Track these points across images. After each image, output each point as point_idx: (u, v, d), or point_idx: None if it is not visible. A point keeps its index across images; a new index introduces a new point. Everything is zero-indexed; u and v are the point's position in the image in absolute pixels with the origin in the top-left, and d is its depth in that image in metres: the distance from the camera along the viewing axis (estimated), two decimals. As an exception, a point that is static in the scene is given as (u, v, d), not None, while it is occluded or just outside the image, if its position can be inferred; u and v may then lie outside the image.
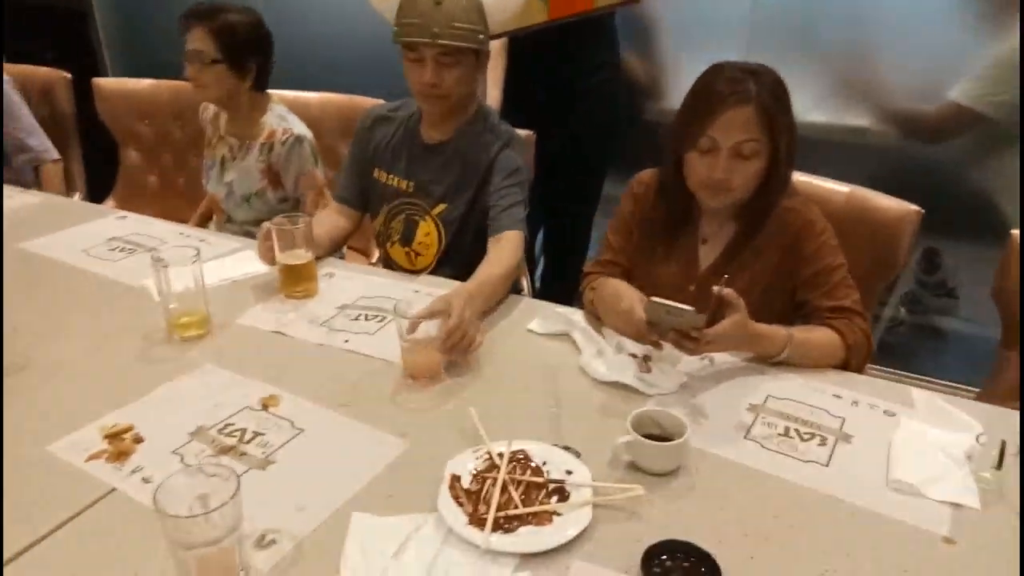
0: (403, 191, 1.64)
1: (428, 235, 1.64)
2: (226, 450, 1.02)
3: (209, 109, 2.00)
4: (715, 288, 1.13)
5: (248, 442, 1.04)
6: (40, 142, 2.39)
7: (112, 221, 1.84)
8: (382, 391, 1.16)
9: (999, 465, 0.95)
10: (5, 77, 2.33)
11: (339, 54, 2.74)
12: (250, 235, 1.85)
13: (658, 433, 1.00)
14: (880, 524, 0.91)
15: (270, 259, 1.46)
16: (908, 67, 2.18)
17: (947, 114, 2.12)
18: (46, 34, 2.72)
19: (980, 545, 0.87)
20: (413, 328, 1.24)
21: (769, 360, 1.24)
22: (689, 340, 1.13)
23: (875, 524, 0.91)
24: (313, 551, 0.85)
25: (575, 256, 2.56)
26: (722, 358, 1.26)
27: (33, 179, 2.42)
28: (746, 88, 1.21)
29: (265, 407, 1.11)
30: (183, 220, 2.13)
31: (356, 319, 1.38)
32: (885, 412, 1.13)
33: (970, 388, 2.39)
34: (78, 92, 2.53)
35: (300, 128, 1.88)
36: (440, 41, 1.44)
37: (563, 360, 1.26)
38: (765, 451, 1.04)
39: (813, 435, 1.08)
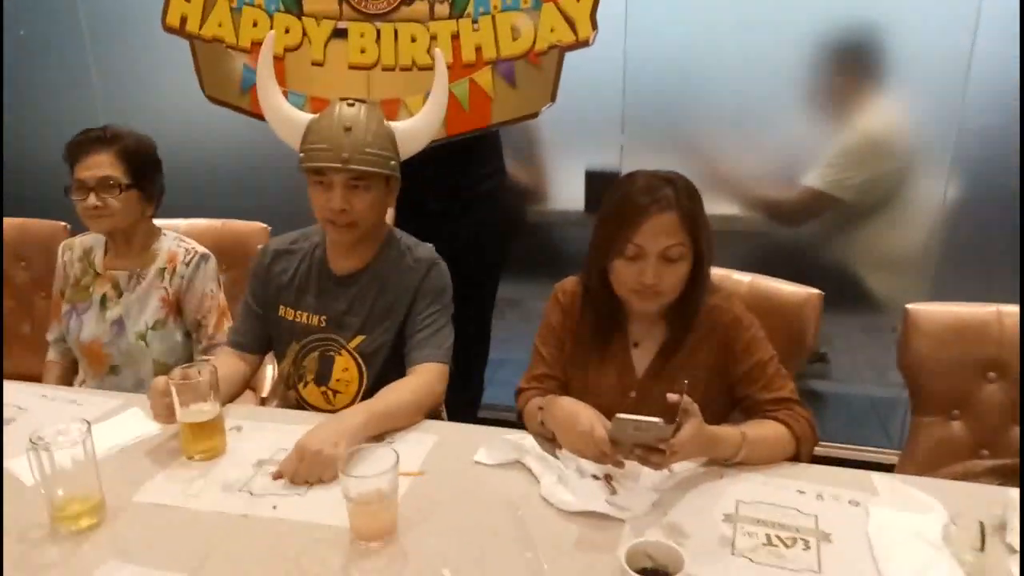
0: (315, 327, 1.52)
1: (347, 371, 1.51)
2: (157, 676, 0.83)
3: (74, 248, 1.80)
4: (673, 396, 1.11)
5: (183, 660, 0.85)
6: None
7: (-49, 391, 1.55)
8: (331, 564, 1.02)
9: (982, 547, 0.97)
10: None
11: (211, 177, 2.59)
12: (142, 385, 1.64)
13: (651, 566, 0.94)
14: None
15: (168, 418, 1.28)
16: (766, 158, 2.37)
17: (805, 198, 2.32)
18: None
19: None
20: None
21: (725, 462, 1.22)
22: (655, 454, 1.09)
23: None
24: None
25: (478, 360, 2.51)
26: (680, 466, 1.22)
27: None
28: (665, 195, 1.24)
29: (195, 608, 0.93)
30: (33, 376, 1.85)
31: (279, 477, 1.22)
32: (850, 502, 1.14)
33: (861, 447, 2.56)
34: None
35: (203, 248, 1.74)
36: (350, 166, 1.38)
37: (523, 492, 1.18)
38: (756, 566, 1.00)
39: (795, 540, 1.05)
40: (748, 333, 1.33)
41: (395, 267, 1.51)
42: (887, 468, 1.35)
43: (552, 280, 1.50)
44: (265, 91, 1.63)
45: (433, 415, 1.49)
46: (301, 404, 1.56)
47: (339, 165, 1.37)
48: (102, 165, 1.61)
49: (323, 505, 1.14)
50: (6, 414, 1.45)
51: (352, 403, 1.51)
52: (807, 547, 1.04)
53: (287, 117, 1.57)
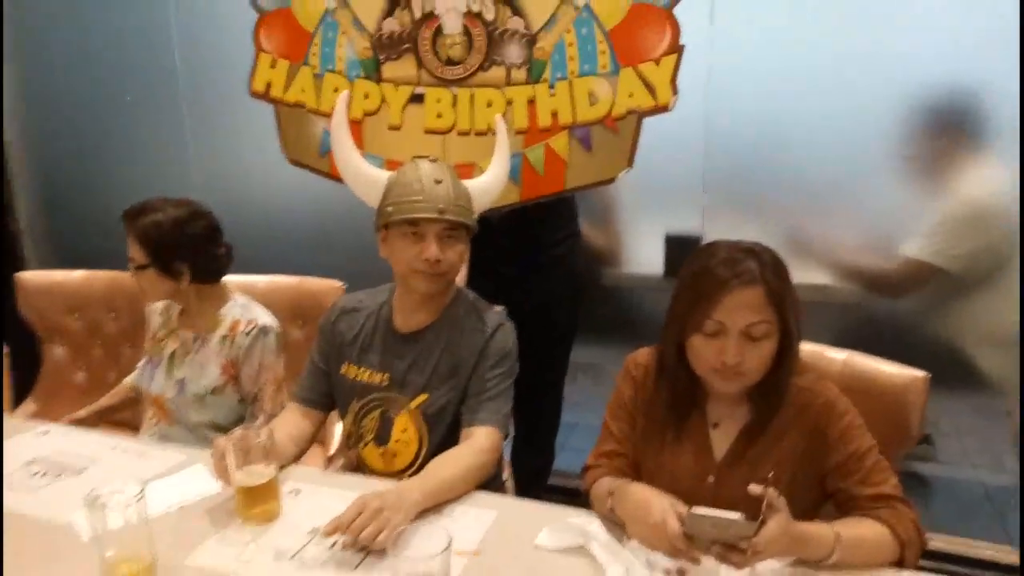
0: (376, 385, 1.49)
1: (406, 431, 1.47)
2: None
3: (158, 304, 1.84)
4: (756, 488, 1.00)
5: None
6: None
7: (32, 438, 1.60)
8: (377, 651, 0.95)
9: None
10: None
11: (285, 235, 2.66)
12: (204, 440, 1.64)
13: None
14: None
15: (226, 477, 1.26)
16: (860, 225, 2.24)
17: (906, 269, 2.16)
18: None
19: None
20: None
21: (817, 564, 1.09)
22: (735, 552, 0.98)
23: None
24: None
25: (548, 427, 2.43)
26: (763, 566, 1.10)
27: None
28: (748, 268, 1.15)
29: None
30: (116, 423, 1.90)
31: (332, 546, 1.17)
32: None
33: (974, 542, 2.30)
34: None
35: (265, 319, 1.74)
36: (447, 216, 1.39)
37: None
38: None
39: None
40: (844, 420, 1.21)
41: (461, 326, 1.48)
42: (1005, 569, 1.18)
43: (627, 345, 1.43)
44: (341, 150, 1.65)
45: (495, 482, 1.42)
46: (360, 465, 1.52)
47: (436, 216, 1.39)
48: (129, 244, 1.66)
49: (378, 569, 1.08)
50: (77, 463, 1.47)
51: (411, 465, 1.47)
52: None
53: (365, 174, 1.59)
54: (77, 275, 2.30)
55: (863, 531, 1.11)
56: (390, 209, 1.44)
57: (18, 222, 3.23)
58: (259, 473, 1.24)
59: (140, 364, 1.88)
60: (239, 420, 1.74)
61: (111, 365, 2.33)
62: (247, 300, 1.79)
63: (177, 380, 1.74)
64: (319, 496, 1.34)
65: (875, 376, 1.45)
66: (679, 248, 2.41)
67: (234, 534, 1.22)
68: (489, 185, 1.62)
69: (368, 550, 1.13)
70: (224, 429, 1.74)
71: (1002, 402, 2.17)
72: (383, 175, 1.52)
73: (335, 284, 2.14)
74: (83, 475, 1.43)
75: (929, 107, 2.08)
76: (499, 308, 1.55)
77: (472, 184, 1.54)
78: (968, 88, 2.04)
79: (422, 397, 1.47)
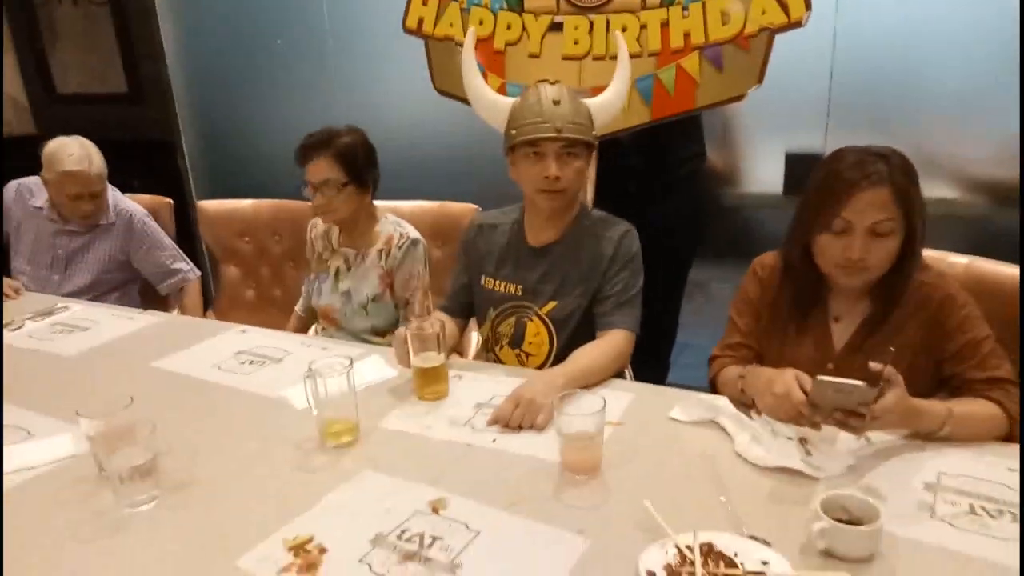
0: (511, 295, 1.69)
1: (538, 335, 1.67)
2: (410, 556, 1.02)
3: (318, 226, 2.10)
4: (876, 365, 1.12)
5: (429, 547, 1.04)
6: (185, 263, 2.55)
7: (234, 335, 1.91)
8: (545, 489, 1.16)
9: None
10: (142, 208, 2.50)
11: (422, 164, 2.88)
12: (366, 343, 1.91)
13: (846, 518, 0.98)
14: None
15: (407, 362, 1.50)
16: (988, 138, 2.21)
17: (1037, 179, 2.13)
18: (134, 164, 2.92)
19: None
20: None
21: (929, 437, 1.21)
22: (855, 418, 1.12)
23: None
24: (527, 657, 0.84)
25: (665, 342, 2.57)
26: (878, 437, 1.24)
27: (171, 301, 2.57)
28: (877, 169, 1.24)
29: (435, 510, 1.12)
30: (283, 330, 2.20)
31: (494, 423, 1.38)
32: (1071, 484, 1.09)
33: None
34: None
35: (414, 233, 1.98)
36: (564, 135, 1.52)
37: (717, 447, 1.26)
38: (958, 531, 1.01)
39: (1002, 511, 1.04)
40: (963, 311, 1.30)
41: (588, 237, 1.64)
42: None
43: (743, 264, 1.54)
44: (469, 80, 1.81)
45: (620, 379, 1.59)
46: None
47: (554, 135, 1.52)
48: (322, 169, 1.86)
49: (535, 442, 1.30)
50: (275, 354, 1.76)
51: (543, 365, 1.66)
52: (1014, 519, 1.02)
53: (492, 101, 1.75)
54: (247, 203, 2.61)
55: (974, 408, 1.22)
56: (513, 132, 1.59)
57: (185, 159, 3.63)
58: (433, 358, 1.48)
59: (304, 286, 2.17)
60: (395, 325, 2.00)
61: (276, 283, 2.66)
62: (396, 218, 2.03)
63: (343, 292, 2.01)
64: (479, 381, 1.57)
65: (996, 278, 1.51)
66: (800, 166, 2.46)
67: (413, 408, 1.47)
68: (609, 101, 1.73)
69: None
70: (382, 333, 2.02)
71: None
72: (507, 101, 1.67)
73: (471, 207, 2.34)
74: (282, 363, 1.72)
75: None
76: (622, 220, 1.68)
77: (593, 102, 1.66)
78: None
79: (551, 304, 1.65)
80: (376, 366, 1.65)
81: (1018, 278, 1.48)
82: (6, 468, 1.28)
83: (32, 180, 2.43)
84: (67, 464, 1.30)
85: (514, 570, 0.98)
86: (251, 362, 1.73)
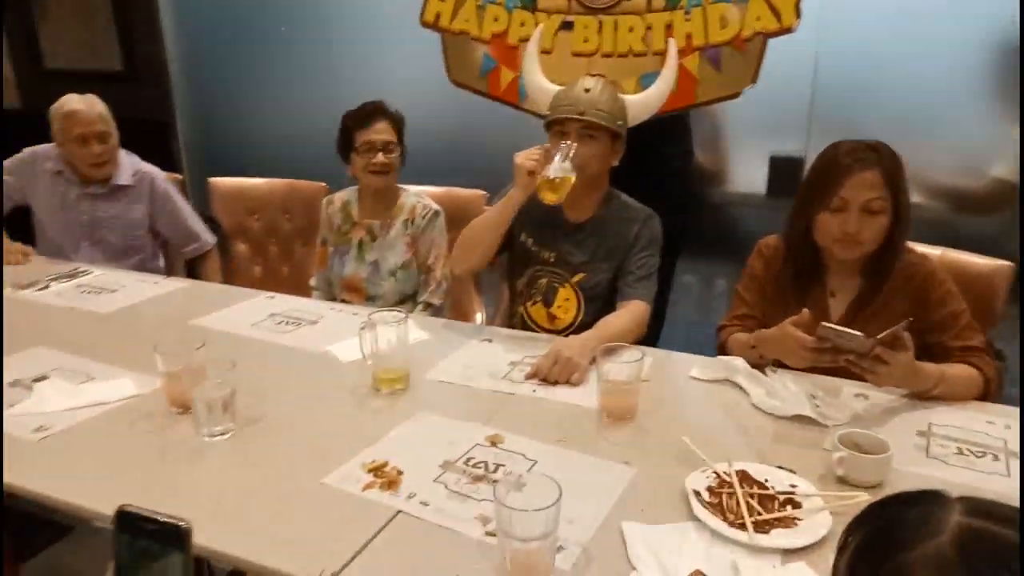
0: (546, 260, 1.83)
1: (568, 300, 1.82)
2: (479, 478, 1.15)
3: (335, 202, 2.21)
4: (897, 328, 1.29)
5: (494, 471, 1.16)
6: (204, 230, 2.59)
7: (263, 300, 2.00)
8: (589, 429, 1.30)
9: None
10: (167, 175, 2.55)
11: (428, 151, 3.00)
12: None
13: (860, 451, 1.15)
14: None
15: (539, 168, 1.62)
16: (951, 150, 2.44)
17: (995, 189, 2.37)
18: (127, 144, 2.96)
19: None
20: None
21: (922, 395, 1.39)
22: (866, 360, 1.28)
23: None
24: (600, 553, 0.98)
25: (651, 334, 2.72)
26: (876, 395, 1.41)
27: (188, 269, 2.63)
28: (869, 156, 1.44)
29: (493, 443, 1.25)
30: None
31: (533, 376, 1.51)
32: (1038, 433, 1.28)
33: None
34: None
35: (435, 205, 2.15)
36: (585, 117, 1.69)
37: (735, 400, 1.41)
38: (950, 467, 1.18)
39: (985, 453, 1.22)
40: (943, 286, 1.49)
41: (616, 217, 1.80)
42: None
43: (726, 260, 1.71)
44: (530, 70, 2.06)
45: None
46: (525, 321, 1.88)
47: (576, 116, 1.69)
48: (386, 131, 2.04)
49: (574, 393, 1.43)
50: (309, 317, 1.86)
51: (569, 327, 1.81)
52: (996, 459, 1.20)
53: (543, 88, 1.98)
54: (259, 182, 2.69)
55: (959, 371, 1.41)
56: (547, 113, 1.76)
57: (178, 139, 3.66)
58: (564, 168, 1.61)
59: (328, 256, 2.25)
60: (417, 291, 2.13)
61: (285, 260, 2.74)
62: (416, 192, 2.17)
63: (370, 262, 2.13)
64: (508, 342, 1.70)
65: (966, 265, 1.71)
66: (783, 168, 2.66)
67: (453, 364, 1.59)
68: (649, 98, 1.94)
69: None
70: (409, 298, 2.14)
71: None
72: (554, 88, 1.87)
73: (479, 193, 2.46)
74: (318, 324, 1.82)
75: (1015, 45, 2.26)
76: (642, 205, 1.84)
77: (631, 99, 1.86)
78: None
79: (581, 275, 1.80)
80: (414, 327, 1.77)
81: (983, 263, 1.69)
82: (79, 403, 1.36)
83: (47, 146, 2.45)
84: (132, 403, 1.39)
85: (574, 491, 1.11)
86: (287, 322, 1.83)
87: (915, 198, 2.56)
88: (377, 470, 1.16)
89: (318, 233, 2.28)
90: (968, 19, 2.29)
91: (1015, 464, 1.19)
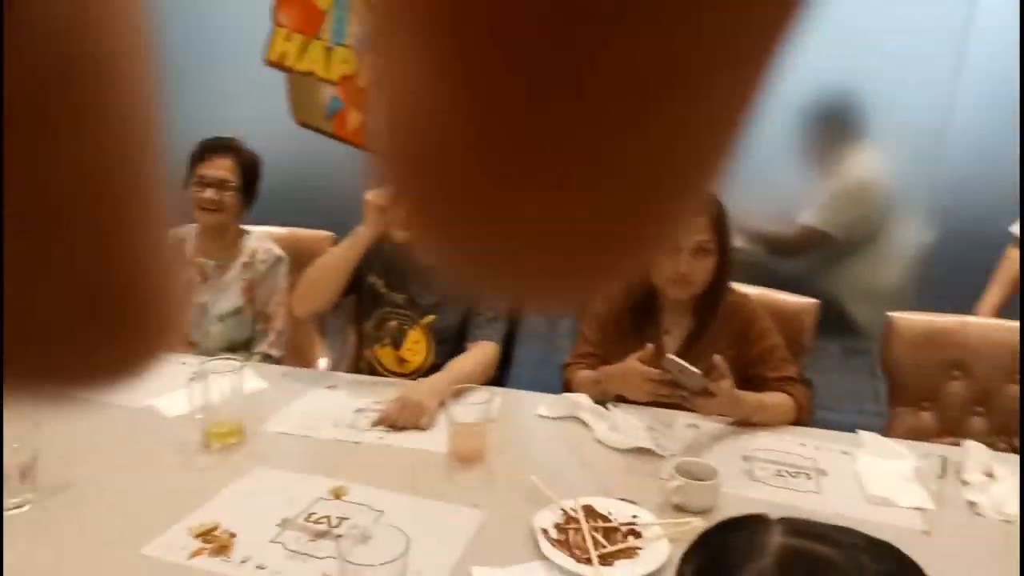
0: (395, 302, 1.80)
1: (417, 342, 1.79)
2: (321, 535, 1.09)
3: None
4: (716, 358, 1.39)
5: (338, 526, 1.11)
6: None
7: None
8: (437, 475, 1.28)
9: (943, 474, 1.26)
10: None
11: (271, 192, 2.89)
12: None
13: (692, 479, 1.21)
14: (873, 529, 1.15)
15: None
16: (765, 199, 2.71)
17: (803, 235, 2.64)
18: None
19: (948, 533, 1.15)
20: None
21: (745, 422, 1.50)
22: (702, 397, 1.38)
23: (870, 529, 1.15)
24: (449, 602, 0.95)
25: (499, 375, 2.76)
26: (705, 424, 1.51)
27: None
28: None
29: (337, 496, 1.19)
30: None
31: (380, 423, 1.47)
32: (842, 452, 1.42)
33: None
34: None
35: (279, 250, 2.02)
36: None
37: (580, 436, 1.45)
38: (770, 487, 1.28)
39: (799, 473, 1.33)
40: (762, 323, 1.64)
41: None
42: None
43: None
44: None
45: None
46: (373, 365, 1.83)
47: None
48: (224, 168, 1.93)
49: (422, 438, 1.41)
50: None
51: (418, 370, 1.78)
52: (809, 478, 1.32)
53: None
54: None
55: (776, 399, 1.54)
56: None
57: None
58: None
59: None
60: (249, 340, 2.01)
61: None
62: (260, 235, 2.06)
63: (197, 306, 1.98)
64: (354, 388, 1.65)
65: (779, 304, 1.88)
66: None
67: (289, 413, 1.51)
68: None
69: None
70: (240, 347, 2.01)
71: (867, 344, 2.70)
72: None
73: (324, 234, 2.39)
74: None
75: (819, 104, 2.57)
76: None
77: None
78: (850, 90, 2.55)
79: (431, 317, 1.79)
80: (251, 376, 1.66)
81: (793, 301, 1.87)
82: None
83: None
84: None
85: (424, 538, 1.08)
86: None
87: (735, 243, 2.84)
88: (206, 534, 1.06)
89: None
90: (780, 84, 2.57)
91: (825, 481, 1.30)
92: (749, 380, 1.63)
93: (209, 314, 1.97)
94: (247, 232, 2.05)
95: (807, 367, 1.91)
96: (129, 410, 1.49)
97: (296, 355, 2.21)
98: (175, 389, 1.48)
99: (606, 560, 1.04)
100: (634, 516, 1.14)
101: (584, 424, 1.49)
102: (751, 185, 2.70)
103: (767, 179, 2.67)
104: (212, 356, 1.93)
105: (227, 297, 1.98)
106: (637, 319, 1.68)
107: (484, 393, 1.35)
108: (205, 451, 1.33)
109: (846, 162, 2.59)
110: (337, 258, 1.71)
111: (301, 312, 1.87)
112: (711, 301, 1.63)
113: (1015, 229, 2.18)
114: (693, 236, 1.54)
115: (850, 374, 2.88)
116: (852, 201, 2.60)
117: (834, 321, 2.74)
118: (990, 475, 1.26)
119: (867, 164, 2.58)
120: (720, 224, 1.56)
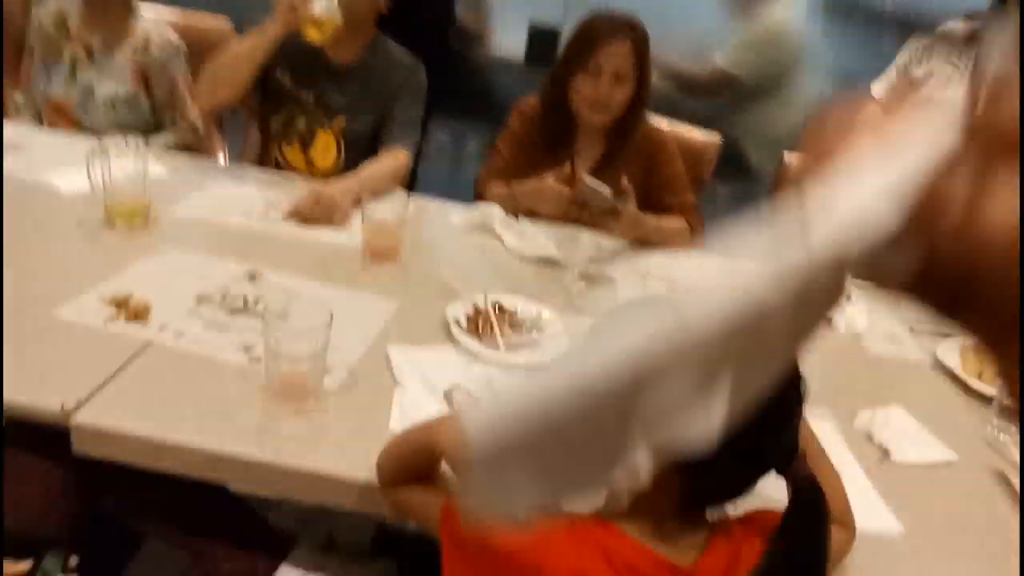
0: (304, 101, 1.72)
1: (327, 146, 1.75)
2: (238, 311, 1.11)
3: (48, 4, 1.84)
4: (624, 182, 1.46)
5: (256, 304, 1.14)
6: None
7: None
8: (352, 269, 1.32)
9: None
10: None
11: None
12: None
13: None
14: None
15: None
16: (683, 38, 2.71)
17: (715, 76, 2.69)
18: None
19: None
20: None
21: (643, 241, 1.61)
22: (609, 217, 1.46)
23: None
24: (366, 374, 1.02)
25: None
26: (606, 242, 1.60)
27: None
28: (624, 30, 1.56)
29: (252, 279, 1.21)
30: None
31: (293, 217, 1.46)
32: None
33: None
34: None
35: (178, 40, 1.87)
36: None
37: (491, 244, 1.52)
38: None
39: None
40: (669, 149, 1.71)
41: (382, 63, 1.74)
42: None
43: (482, 123, 1.76)
44: None
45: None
46: (280, 164, 1.78)
47: None
48: None
49: (335, 234, 1.42)
50: (17, 140, 1.58)
51: (327, 173, 1.75)
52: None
53: None
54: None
55: (674, 223, 1.65)
56: None
57: None
58: (330, 7, 1.49)
59: (33, 68, 1.90)
60: (149, 128, 1.88)
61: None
62: (156, 19, 1.88)
63: (84, 86, 1.82)
64: (263, 183, 1.61)
65: (684, 137, 1.96)
66: (541, 38, 2.75)
67: (200, 198, 1.47)
68: None
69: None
70: (131, 133, 1.88)
71: (760, 188, 2.87)
72: None
73: (222, 23, 2.19)
74: (26, 150, 1.55)
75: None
76: (410, 53, 1.80)
77: None
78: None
79: (341, 118, 1.74)
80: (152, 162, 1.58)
81: (698, 135, 1.95)
82: None
83: None
84: None
85: (340, 322, 1.13)
86: (-14, 148, 1.53)
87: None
88: (121, 303, 1.06)
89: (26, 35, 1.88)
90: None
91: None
92: (651, 204, 1.73)
93: (96, 97, 1.82)
94: (137, 12, 1.86)
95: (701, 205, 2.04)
96: (21, 183, 1.41)
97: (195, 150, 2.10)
98: (70, 165, 1.40)
99: (512, 348, 1.13)
100: (538, 313, 1.24)
101: (494, 234, 1.55)
102: (673, 23, 2.69)
103: (689, 19, 2.67)
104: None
105: (116, 81, 1.82)
106: (551, 139, 1.71)
107: (400, 194, 1.36)
108: (109, 230, 1.29)
109: (766, 9, 2.61)
110: (244, 51, 1.59)
111: (204, 105, 1.78)
112: (625, 128, 1.67)
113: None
114: (615, 61, 1.55)
115: (738, 216, 3.07)
116: (765, 45, 2.65)
117: (731, 164, 2.88)
118: (847, 297, 1.44)
119: (783, 13, 2.62)
120: (641, 56, 1.58)
